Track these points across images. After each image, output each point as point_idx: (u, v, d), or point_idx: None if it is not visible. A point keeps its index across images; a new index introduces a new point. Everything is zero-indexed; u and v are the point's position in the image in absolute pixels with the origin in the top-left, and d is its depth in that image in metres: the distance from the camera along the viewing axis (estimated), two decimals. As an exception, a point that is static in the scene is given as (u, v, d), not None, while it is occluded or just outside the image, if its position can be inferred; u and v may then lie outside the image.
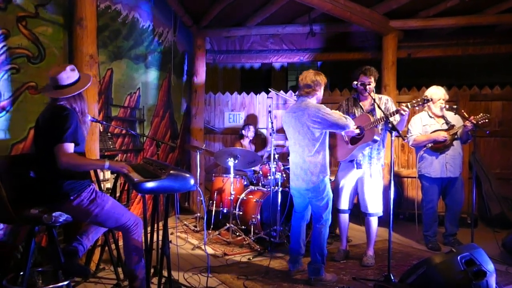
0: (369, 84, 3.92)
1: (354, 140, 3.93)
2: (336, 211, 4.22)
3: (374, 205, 4.06)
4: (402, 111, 3.66)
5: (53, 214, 2.50)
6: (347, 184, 4.14)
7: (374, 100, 3.81)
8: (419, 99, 3.68)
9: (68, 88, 2.75)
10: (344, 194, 4.16)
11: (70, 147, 2.62)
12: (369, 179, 4.04)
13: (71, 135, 2.61)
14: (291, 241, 3.81)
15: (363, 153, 4.01)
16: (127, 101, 4.89)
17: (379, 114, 3.86)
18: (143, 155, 5.25)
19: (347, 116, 3.56)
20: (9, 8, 3.16)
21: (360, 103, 4.10)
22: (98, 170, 3.52)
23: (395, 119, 3.94)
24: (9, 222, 2.87)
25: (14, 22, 3.21)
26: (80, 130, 2.72)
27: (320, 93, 3.61)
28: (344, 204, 4.17)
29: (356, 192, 4.20)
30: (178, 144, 6.50)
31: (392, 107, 4.00)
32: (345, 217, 4.24)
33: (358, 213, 4.28)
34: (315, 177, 3.49)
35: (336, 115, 3.45)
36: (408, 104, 3.65)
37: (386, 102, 4.05)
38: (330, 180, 4.86)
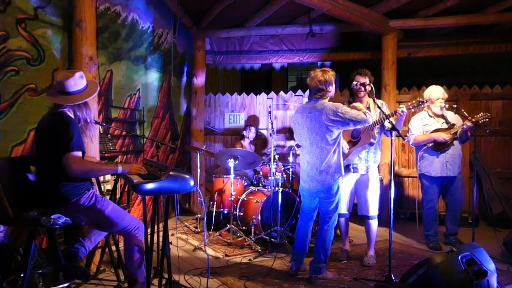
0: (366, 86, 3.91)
1: (351, 144, 3.93)
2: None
3: (373, 208, 4.06)
4: (400, 112, 3.65)
5: (52, 216, 2.49)
6: (344, 188, 4.10)
7: (374, 100, 3.79)
8: (414, 101, 3.68)
9: (74, 96, 2.73)
10: (343, 198, 4.11)
11: (78, 155, 2.63)
12: (367, 182, 4.04)
13: (77, 143, 2.61)
14: (296, 240, 3.78)
15: (360, 157, 4.00)
16: (127, 102, 4.89)
17: (374, 117, 3.86)
18: (143, 156, 5.26)
19: (366, 111, 3.44)
20: (8, 10, 3.17)
21: None
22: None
23: (390, 121, 3.93)
24: (8, 224, 2.87)
25: (13, 24, 3.21)
26: (81, 137, 2.72)
27: (332, 90, 3.51)
28: (343, 208, 4.13)
29: (354, 195, 4.20)
30: (178, 145, 6.50)
31: (387, 111, 3.98)
32: (344, 220, 4.24)
33: (349, 215, 4.27)
34: (330, 176, 3.44)
35: (355, 112, 3.36)
36: (404, 107, 3.65)
37: (381, 106, 4.02)
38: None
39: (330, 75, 3.46)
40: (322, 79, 3.43)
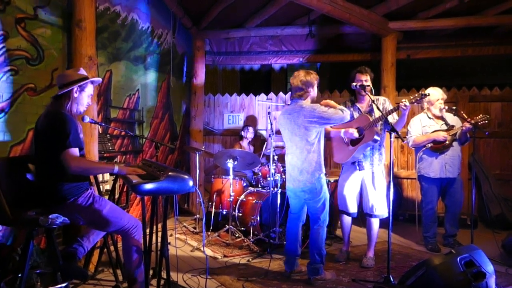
0: (366, 82, 3.92)
1: (355, 141, 3.93)
2: (343, 213, 4.22)
3: (379, 207, 4.03)
4: (403, 106, 3.63)
5: (50, 216, 2.49)
6: (351, 186, 4.11)
7: (372, 100, 3.79)
8: (416, 95, 3.66)
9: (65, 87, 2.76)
10: (350, 196, 4.12)
11: (76, 151, 2.63)
12: (373, 180, 4.03)
13: (74, 140, 2.62)
14: (287, 242, 3.80)
15: (365, 154, 4.00)
16: (126, 102, 4.89)
17: (377, 114, 3.87)
18: (142, 156, 5.25)
19: (343, 108, 3.49)
20: (8, 10, 3.16)
21: (358, 105, 4.10)
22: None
23: (394, 117, 3.94)
24: (6, 224, 2.86)
25: (13, 23, 3.21)
26: (78, 134, 2.72)
27: (313, 92, 3.57)
28: (352, 207, 4.14)
29: (361, 194, 4.20)
30: (177, 145, 6.49)
31: (390, 107, 3.99)
32: (349, 219, 4.23)
33: (358, 215, 4.27)
34: (310, 175, 3.48)
35: (332, 110, 3.43)
36: (406, 101, 3.64)
37: (383, 102, 4.04)
38: (330, 181, 4.89)
39: (313, 77, 3.54)
40: (304, 80, 3.51)
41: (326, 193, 3.59)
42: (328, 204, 3.64)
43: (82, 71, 2.88)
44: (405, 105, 3.64)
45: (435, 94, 4.56)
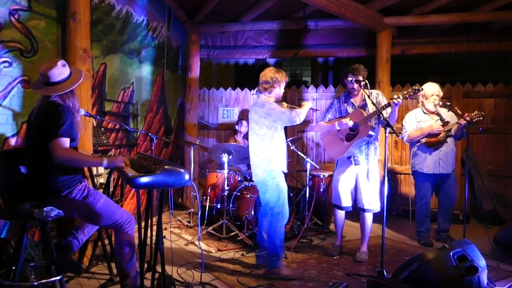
0: (361, 82, 3.94)
1: (350, 137, 3.95)
2: (336, 207, 4.24)
3: (372, 202, 4.06)
4: (394, 101, 3.62)
5: (44, 209, 2.47)
6: (346, 181, 4.13)
7: (368, 95, 3.80)
8: (409, 90, 3.66)
9: (59, 85, 2.69)
10: (344, 191, 4.14)
11: (66, 142, 2.59)
12: (367, 175, 4.05)
13: (67, 130, 2.58)
14: (258, 234, 3.85)
15: (360, 149, 4.02)
16: (120, 96, 4.86)
17: (371, 108, 3.88)
18: (136, 150, 5.23)
19: (296, 110, 3.61)
20: (2, 1, 3.13)
21: (351, 100, 4.11)
22: (92, 165, 3.49)
23: (387, 112, 3.95)
24: (0, 216, 2.85)
25: (6, 15, 3.18)
26: (74, 126, 2.70)
27: (279, 90, 3.69)
28: (346, 201, 4.16)
29: (355, 188, 4.21)
30: (172, 139, 6.48)
31: (384, 101, 4.00)
32: (342, 213, 4.25)
33: (352, 209, 4.29)
34: (261, 170, 3.60)
35: (280, 109, 3.53)
36: (400, 95, 3.64)
37: (377, 96, 4.05)
38: (325, 175, 4.90)
39: (281, 75, 3.68)
40: (273, 76, 3.64)
41: (279, 186, 3.61)
42: (284, 199, 3.63)
43: (65, 64, 2.78)
44: (396, 101, 3.63)
45: (431, 88, 4.57)
